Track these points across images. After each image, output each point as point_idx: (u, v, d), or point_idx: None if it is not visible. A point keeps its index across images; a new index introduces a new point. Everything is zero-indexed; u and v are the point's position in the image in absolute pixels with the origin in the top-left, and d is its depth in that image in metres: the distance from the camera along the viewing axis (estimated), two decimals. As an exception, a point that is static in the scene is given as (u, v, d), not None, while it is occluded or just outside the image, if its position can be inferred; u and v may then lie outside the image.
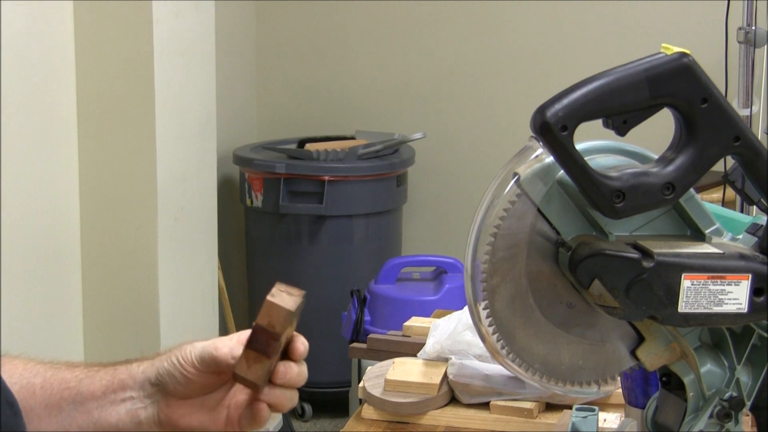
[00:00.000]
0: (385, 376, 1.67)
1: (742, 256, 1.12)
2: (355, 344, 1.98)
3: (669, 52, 1.10)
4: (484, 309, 1.16)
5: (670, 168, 1.10)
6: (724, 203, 3.06)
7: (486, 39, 4.17)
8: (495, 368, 1.61)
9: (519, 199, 1.14)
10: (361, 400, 1.70)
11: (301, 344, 1.08)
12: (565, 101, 1.07)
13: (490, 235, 1.14)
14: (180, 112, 3.12)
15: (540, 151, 1.14)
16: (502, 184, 1.15)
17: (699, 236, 1.16)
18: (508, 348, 1.17)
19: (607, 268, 1.09)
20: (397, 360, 1.74)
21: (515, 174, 1.14)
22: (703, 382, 1.18)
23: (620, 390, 1.50)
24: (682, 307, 1.10)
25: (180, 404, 1.10)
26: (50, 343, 2.98)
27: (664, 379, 1.23)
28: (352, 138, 4.09)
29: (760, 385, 1.19)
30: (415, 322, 1.92)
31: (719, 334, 1.19)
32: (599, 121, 1.10)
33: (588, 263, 1.09)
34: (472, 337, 1.66)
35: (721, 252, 1.12)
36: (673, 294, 1.10)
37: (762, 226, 1.15)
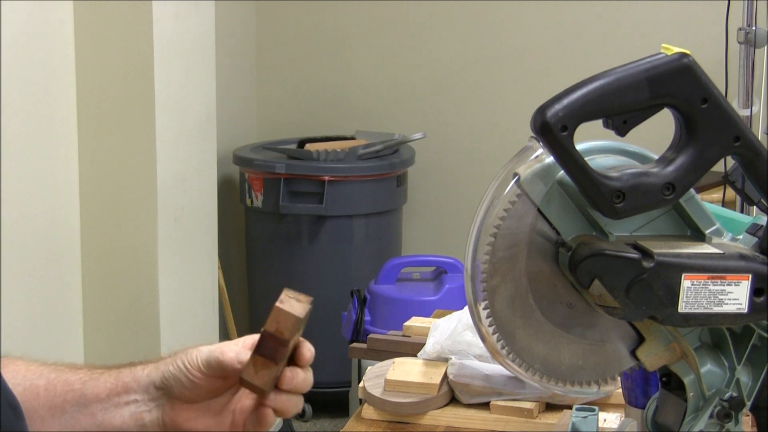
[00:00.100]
0: (385, 376, 1.67)
1: (742, 257, 1.12)
2: (355, 344, 1.98)
3: (669, 53, 1.10)
4: (484, 309, 1.16)
5: (670, 168, 1.10)
6: (724, 203, 3.06)
7: (486, 39, 4.16)
8: (495, 368, 1.61)
9: (519, 199, 1.14)
10: (361, 400, 1.70)
11: (308, 350, 1.08)
12: (565, 101, 1.07)
13: (490, 235, 1.14)
14: (180, 112, 3.12)
15: (540, 151, 1.14)
16: (502, 185, 1.15)
17: (699, 236, 1.16)
18: (508, 348, 1.17)
19: (607, 268, 1.09)
20: (397, 360, 1.74)
21: (515, 174, 1.14)
22: (703, 382, 1.18)
23: (620, 390, 1.50)
24: (682, 307, 1.10)
25: (185, 408, 1.10)
26: (50, 343, 2.97)
27: (664, 379, 1.23)
28: (352, 138, 4.08)
29: (760, 386, 1.19)
30: (415, 322, 1.92)
31: (719, 335, 1.19)
32: (599, 121, 1.10)
33: (588, 263, 1.09)
34: (472, 337, 1.66)
35: (721, 252, 1.12)
36: (673, 294, 1.10)
37: (762, 226, 1.15)
